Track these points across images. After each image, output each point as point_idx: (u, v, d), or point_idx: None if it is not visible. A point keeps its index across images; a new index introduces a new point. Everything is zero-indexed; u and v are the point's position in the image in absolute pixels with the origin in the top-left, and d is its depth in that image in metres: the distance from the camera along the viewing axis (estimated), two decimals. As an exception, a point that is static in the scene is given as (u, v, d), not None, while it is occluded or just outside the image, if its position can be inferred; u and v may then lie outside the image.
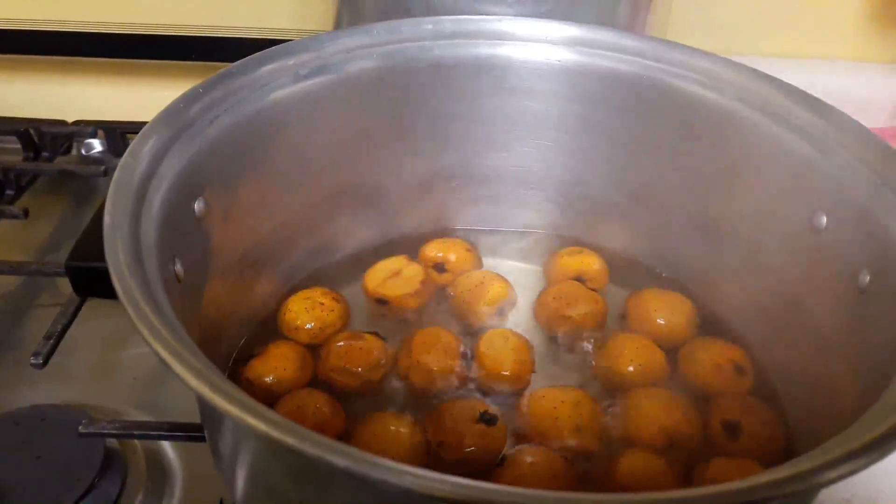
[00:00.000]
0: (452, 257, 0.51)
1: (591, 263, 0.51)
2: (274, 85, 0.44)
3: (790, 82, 0.44)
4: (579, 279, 0.51)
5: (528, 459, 0.37)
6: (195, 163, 0.39)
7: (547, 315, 0.48)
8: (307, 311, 0.46)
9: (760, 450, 0.40)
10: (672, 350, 0.46)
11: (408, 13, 0.51)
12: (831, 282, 0.41)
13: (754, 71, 0.46)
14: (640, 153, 0.50)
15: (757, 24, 0.75)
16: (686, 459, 0.40)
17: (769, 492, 0.23)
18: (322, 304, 0.46)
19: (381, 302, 0.49)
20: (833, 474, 0.24)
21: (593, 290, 0.50)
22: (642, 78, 0.48)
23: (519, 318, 0.49)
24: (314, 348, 0.45)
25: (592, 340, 0.46)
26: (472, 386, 0.44)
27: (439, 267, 0.51)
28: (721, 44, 0.55)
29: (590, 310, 0.47)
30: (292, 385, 0.43)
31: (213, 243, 0.41)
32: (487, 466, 0.39)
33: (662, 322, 0.47)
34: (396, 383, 0.44)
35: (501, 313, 0.49)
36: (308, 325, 0.45)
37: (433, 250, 0.52)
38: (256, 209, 0.46)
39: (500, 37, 0.49)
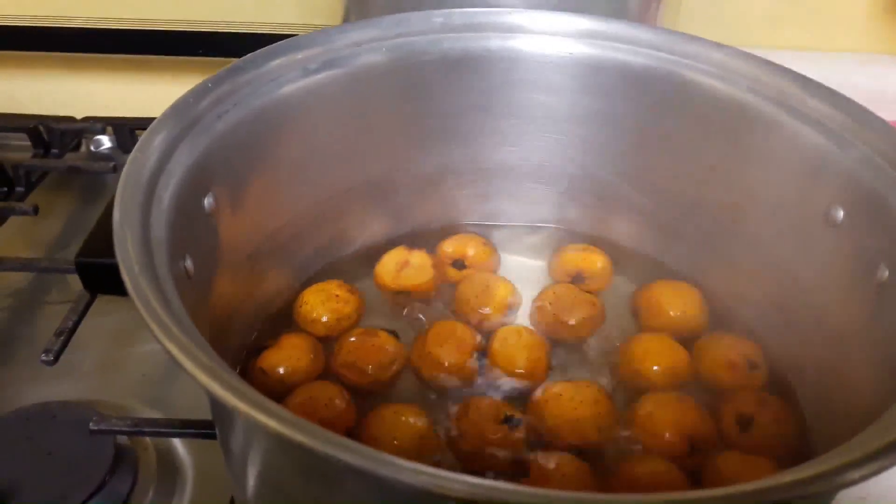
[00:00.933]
0: (471, 252, 0.51)
1: (595, 261, 0.51)
2: (283, 79, 0.44)
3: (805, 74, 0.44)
4: (579, 277, 0.50)
5: (552, 466, 0.37)
6: (204, 158, 0.39)
7: (545, 322, 0.47)
8: (323, 304, 0.46)
9: (774, 445, 0.40)
10: (688, 342, 0.45)
11: (417, 6, 0.50)
12: (848, 277, 0.40)
13: (768, 63, 0.45)
14: (652, 147, 0.49)
15: (770, 17, 0.74)
16: (701, 458, 0.39)
17: (791, 492, 0.22)
18: (338, 296, 0.46)
19: (402, 293, 0.48)
20: (856, 475, 0.23)
21: (591, 290, 0.49)
22: (655, 70, 0.47)
23: (527, 318, 0.49)
24: (329, 341, 0.45)
25: (605, 341, 0.46)
26: (485, 381, 0.43)
27: (458, 263, 0.51)
28: (733, 36, 0.54)
29: (587, 314, 0.46)
30: (306, 376, 0.42)
31: (222, 238, 0.41)
32: (500, 469, 0.38)
33: (677, 314, 0.47)
34: (408, 380, 0.44)
35: (508, 317, 0.48)
36: (324, 318, 0.45)
37: (451, 246, 0.51)
38: (266, 204, 0.45)
39: (511, 29, 0.48)
